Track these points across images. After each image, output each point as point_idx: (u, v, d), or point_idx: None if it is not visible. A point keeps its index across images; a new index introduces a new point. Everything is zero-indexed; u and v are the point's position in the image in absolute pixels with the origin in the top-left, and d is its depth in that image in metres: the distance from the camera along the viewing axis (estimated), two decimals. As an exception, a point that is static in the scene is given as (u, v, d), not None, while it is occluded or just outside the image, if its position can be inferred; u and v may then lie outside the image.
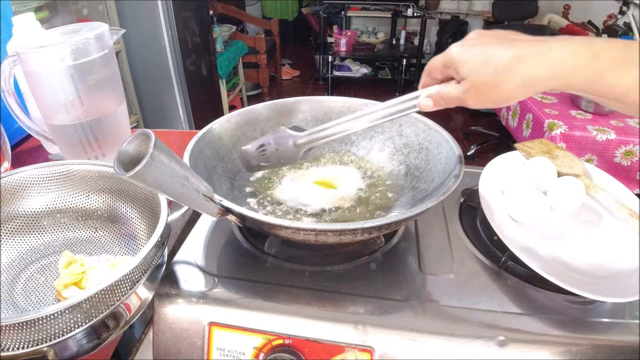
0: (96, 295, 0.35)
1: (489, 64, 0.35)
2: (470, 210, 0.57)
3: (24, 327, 0.33)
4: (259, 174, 0.59)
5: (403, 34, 3.45)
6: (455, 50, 0.38)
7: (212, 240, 0.51)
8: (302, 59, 4.10)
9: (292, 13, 4.22)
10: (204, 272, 0.46)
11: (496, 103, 0.37)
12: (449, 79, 0.40)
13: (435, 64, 0.41)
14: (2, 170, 0.61)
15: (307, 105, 0.63)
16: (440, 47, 3.44)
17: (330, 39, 3.44)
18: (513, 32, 0.38)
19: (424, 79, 0.43)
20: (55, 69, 0.55)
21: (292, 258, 0.48)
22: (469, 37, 0.39)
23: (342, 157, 0.63)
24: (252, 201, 0.55)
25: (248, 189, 0.57)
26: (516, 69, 0.34)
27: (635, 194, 0.54)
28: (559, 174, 0.54)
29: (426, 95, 0.41)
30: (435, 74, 0.41)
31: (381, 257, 0.49)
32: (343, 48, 3.34)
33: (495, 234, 0.47)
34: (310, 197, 0.54)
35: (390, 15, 3.33)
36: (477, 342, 0.39)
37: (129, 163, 0.33)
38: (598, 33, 2.10)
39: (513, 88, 0.35)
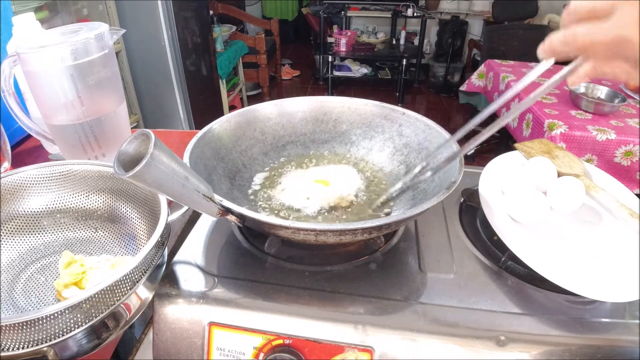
0: (96, 295, 0.35)
1: None
2: (470, 210, 0.57)
3: (24, 327, 0.33)
4: (260, 175, 0.59)
5: (403, 34, 3.46)
6: None
7: (212, 240, 0.51)
8: (302, 59, 4.10)
9: (292, 13, 4.22)
10: (204, 272, 0.46)
11: None
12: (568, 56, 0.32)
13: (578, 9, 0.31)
14: (2, 170, 0.61)
15: (307, 105, 0.63)
16: (441, 47, 3.44)
17: (330, 39, 3.44)
18: None
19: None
20: (55, 69, 0.55)
21: (292, 258, 0.48)
22: None
23: (342, 157, 0.63)
24: (252, 201, 0.55)
25: (248, 189, 0.57)
26: None
27: (635, 194, 0.54)
28: (559, 174, 0.54)
29: (583, 74, 0.32)
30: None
31: (381, 257, 0.49)
32: (343, 48, 3.34)
33: (495, 234, 0.47)
34: (310, 196, 0.54)
35: (390, 15, 3.33)
36: (477, 342, 0.39)
37: (129, 163, 0.33)
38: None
39: None
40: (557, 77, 0.34)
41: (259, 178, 0.58)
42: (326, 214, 0.52)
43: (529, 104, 0.37)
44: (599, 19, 0.29)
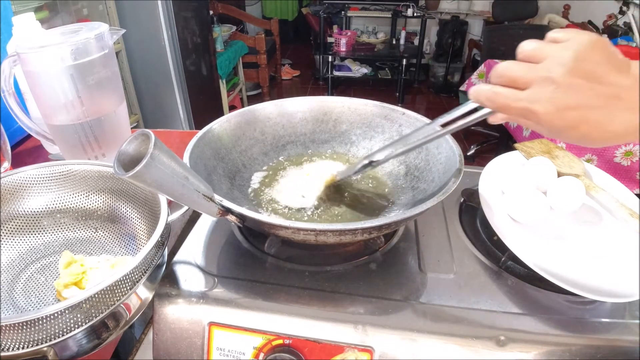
0: (96, 295, 0.35)
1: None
2: (470, 210, 0.57)
3: (24, 327, 0.33)
4: (258, 174, 0.59)
5: (403, 34, 3.45)
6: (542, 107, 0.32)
7: (212, 240, 0.51)
8: (302, 59, 4.10)
9: (292, 13, 4.22)
10: (204, 272, 0.46)
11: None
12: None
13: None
14: (2, 170, 0.61)
15: (307, 105, 0.63)
16: (441, 47, 3.44)
17: (330, 39, 3.44)
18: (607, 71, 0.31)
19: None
20: (55, 69, 0.55)
21: (292, 258, 0.48)
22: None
23: (342, 157, 0.63)
24: (251, 200, 0.55)
25: (248, 189, 0.57)
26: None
27: (635, 194, 0.54)
28: (559, 174, 0.54)
29: (500, 118, 0.38)
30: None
31: (381, 257, 0.49)
32: (343, 48, 3.34)
33: (495, 234, 0.47)
34: (305, 193, 0.54)
35: (390, 15, 3.33)
36: (477, 342, 0.39)
37: (129, 163, 0.33)
38: (598, 33, 2.10)
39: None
40: (479, 114, 0.39)
41: (257, 177, 0.58)
42: (325, 208, 0.52)
43: (451, 132, 0.43)
44: (518, 87, 0.34)
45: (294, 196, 0.54)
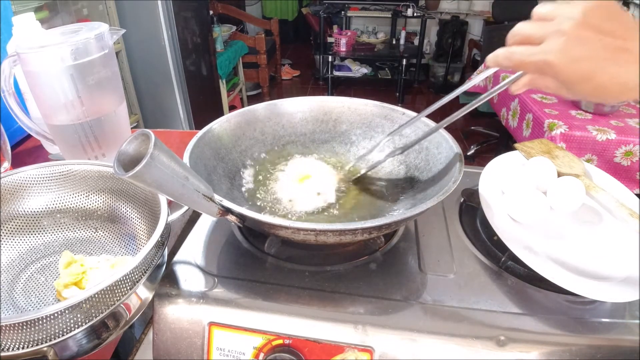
0: (96, 295, 0.35)
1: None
2: (470, 210, 0.57)
3: (24, 327, 0.33)
4: (257, 171, 0.59)
5: (403, 34, 3.45)
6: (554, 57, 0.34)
7: (212, 240, 0.51)
8: (302, 59, 4.10)
9: (292, 13, 4.22)
10: (204, 272, 0.46)
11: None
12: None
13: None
14: (2, 170, 0.61)
15: (307, 105, 0.63)
16: (441, 47, 3.44)
17: (330, 39, 3.44)
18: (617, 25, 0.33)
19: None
20: (55, 69, 0.55)
21: (292, 258, 0.48)
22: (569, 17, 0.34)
23: (342, 157, 0.63)
24: (251, 201, 0.55)
25: (247, 189, 0.57)
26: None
27: (635, 194, 0.54)
28: (559, 174, 0.54)
29: (521, 84, 0.39)
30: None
31: (381, 257, 0.49)
32: (343, 48, 3.33)
33: (495, 234, 0.47)
34: (321, 191, 0.55)
35: (390, 15, 3.33)
36: (477, 342, 0.39)
37: (129, 163, 0.33)
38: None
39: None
40: (503, 84, 0.41)
41: (257, 176, 0.58)
42: (326, 206, 0.52)
43: (479, 104, 0.45)
44: (533, 44, 0.36)
45: (294, 192, 0.54)
